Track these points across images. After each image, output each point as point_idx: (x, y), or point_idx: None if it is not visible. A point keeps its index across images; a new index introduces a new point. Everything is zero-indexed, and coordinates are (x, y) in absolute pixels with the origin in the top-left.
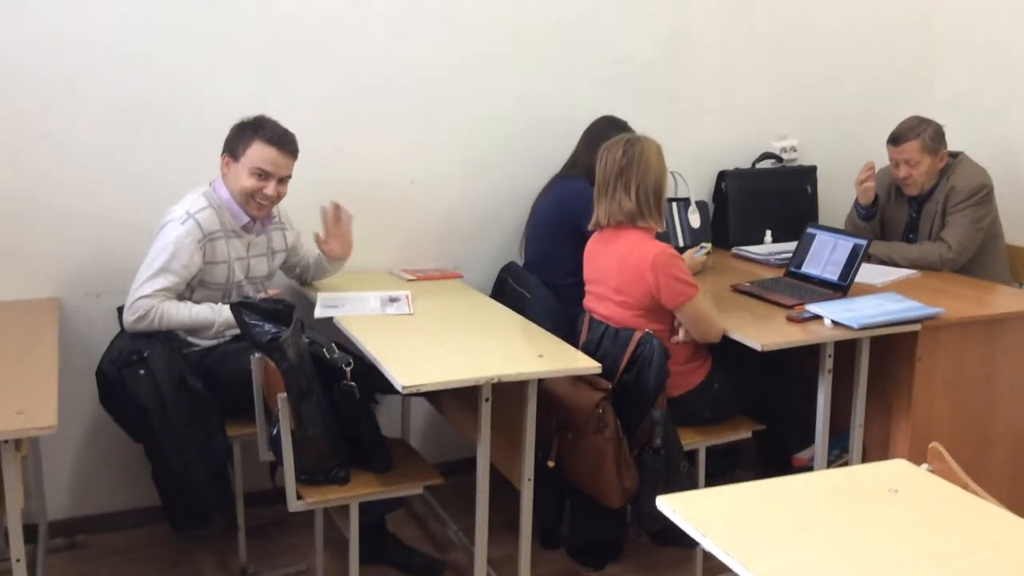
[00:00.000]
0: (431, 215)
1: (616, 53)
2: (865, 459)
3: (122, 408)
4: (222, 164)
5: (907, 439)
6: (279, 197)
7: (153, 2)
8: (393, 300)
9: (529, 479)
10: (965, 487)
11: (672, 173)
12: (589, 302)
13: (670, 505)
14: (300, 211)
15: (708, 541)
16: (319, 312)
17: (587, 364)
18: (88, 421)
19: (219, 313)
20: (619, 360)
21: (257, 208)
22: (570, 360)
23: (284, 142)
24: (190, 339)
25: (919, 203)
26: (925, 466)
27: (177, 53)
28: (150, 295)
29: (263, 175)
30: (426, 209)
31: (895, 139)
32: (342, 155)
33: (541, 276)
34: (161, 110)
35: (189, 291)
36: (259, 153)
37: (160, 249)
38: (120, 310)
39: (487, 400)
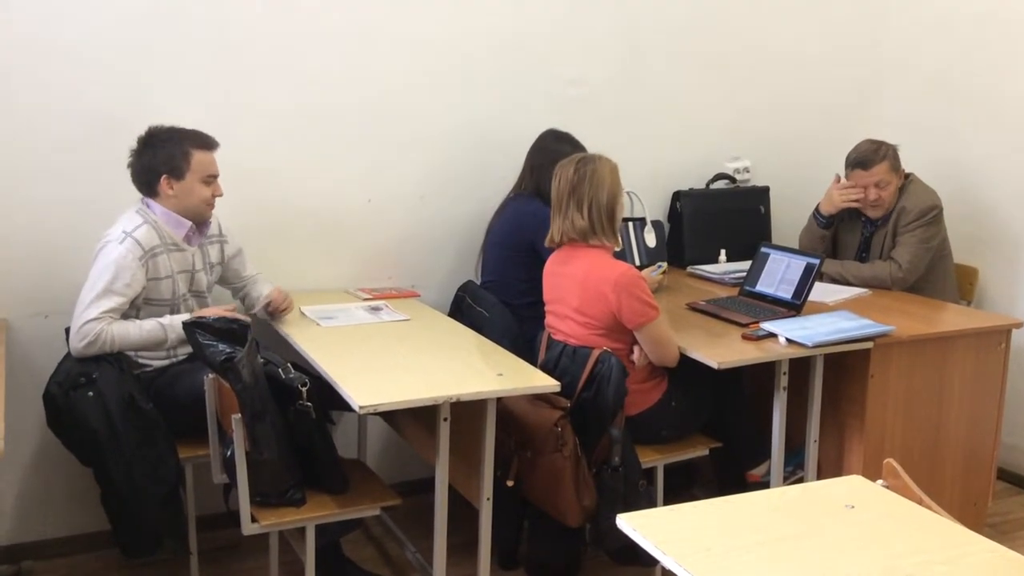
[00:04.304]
0: (388, 234)
1: (570, 75)
2: (819, 475)
3: (70, 431)
4: (163, 187)
5: (861, 455)
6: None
7: (105, 19)
8: (375, 310)
9: (488, 499)
10: (920, 502)
11: (628, 193)
12: (550, 321)
13: (630, 523)
14: (254, 230)
15: (668, 559)
16: (324, 323)
17: (546, 382)
18: (35, 444)
19: (170, 327)
20: (578, 378)
21: (210, 210)
22: (529, 379)
23: (213, 141)
24: (141, 359)
25: (873, 224)
26: (880, 482)
27: (132, 73)
28: (97, 318)
29: (213, 178)
30: (383, 228)
31: (864, 163)
32: (298, 174)
33: (498, 295)
34: (113, 128)
35: (135, 311)
36: (204, 160)
37: (101, 270)
38: (68, 331)
39: (445, 420)
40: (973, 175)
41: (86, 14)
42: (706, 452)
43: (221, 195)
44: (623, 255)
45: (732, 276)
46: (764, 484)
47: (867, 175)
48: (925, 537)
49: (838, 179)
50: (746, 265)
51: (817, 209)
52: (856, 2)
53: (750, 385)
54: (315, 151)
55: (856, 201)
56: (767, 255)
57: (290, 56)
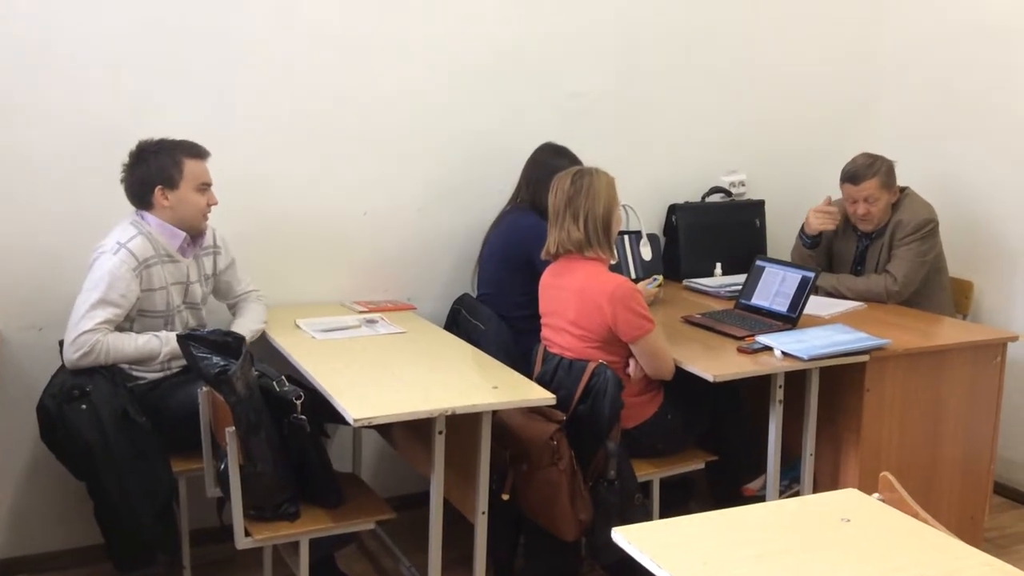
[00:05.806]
0: (384, 247)
1: (568, 88)
2: (815, 489)
3: (64, 444)
4: (158, 198)
5: (857, 468)
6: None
7: (104, 30)
8: (371, 323)
9: (483, 512)
10: (916, 516)
11: (624, 206)
12: (546, 334)
13: (625, 537)
14: (250, 241)
15: (664, 572)
16: (319, 336)
17: (541, 395)
18: (28, 458)
19: (165, 341)
20: (573, 391)
21: (205, 219)
22: (524, 392)
23: (204, 150)
24: (135, 372)
25: (868, 237)
26: (876, 495)
27: (129, 84)
28: (92, 329)
29: (206, 186)
30: (379, 241)
31: (853, 178)
32: (295, 185)
33: (494, 308)
34: (109, 139)
35: (129, 323)
36: (196, 169)
37: (96, 281)
38: (62, 344)
39: (441, 433)
40: (969, 188)
41: (85, 25)
42: (702, 466)
43: (216, 203)
44: (619, 268)
45: (728, 289)
46: (760, 498)
47: (856, 190)
48: (921, 551)
49: (829, 200)
50: (741, 278)
51: (802, 229)
52: (852, 16)
53: (746, 399)
54: (312, 163)
55: (831, 226)
56: (762, 268)
57: (288, 67)
